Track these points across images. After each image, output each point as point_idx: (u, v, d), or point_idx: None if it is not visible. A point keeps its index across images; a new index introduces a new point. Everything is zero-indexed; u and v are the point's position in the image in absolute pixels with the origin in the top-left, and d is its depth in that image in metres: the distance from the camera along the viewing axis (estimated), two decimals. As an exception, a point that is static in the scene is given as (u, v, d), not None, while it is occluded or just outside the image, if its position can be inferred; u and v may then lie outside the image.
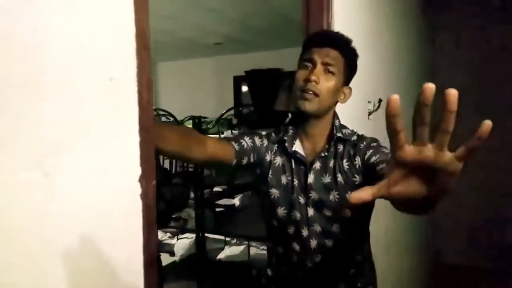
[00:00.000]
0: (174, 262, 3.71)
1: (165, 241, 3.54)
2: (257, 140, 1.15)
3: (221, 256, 3.14)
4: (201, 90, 6.13)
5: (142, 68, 0.66)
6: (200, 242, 3.30)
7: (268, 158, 1.15)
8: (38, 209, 0.54)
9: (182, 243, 3.40)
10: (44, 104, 0.53)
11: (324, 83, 1.05)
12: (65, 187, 0.57)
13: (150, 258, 0.68)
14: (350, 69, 1.12)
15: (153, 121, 0.70)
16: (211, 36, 4.98)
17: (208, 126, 3.48)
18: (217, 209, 3.90)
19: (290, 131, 1.15)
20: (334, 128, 1.13)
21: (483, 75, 3.92)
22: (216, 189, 4.45)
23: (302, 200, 1.11)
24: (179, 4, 3.78)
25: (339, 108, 1.64)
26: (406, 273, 2.83)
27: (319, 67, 1.05)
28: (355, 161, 1.07)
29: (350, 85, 1.16)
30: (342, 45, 1.09)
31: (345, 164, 1.08)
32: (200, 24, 4.50)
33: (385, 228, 2.22)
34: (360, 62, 1.89)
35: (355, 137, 1.13)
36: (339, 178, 1.07)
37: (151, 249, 0.69)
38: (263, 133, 1.19)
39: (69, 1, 0.56)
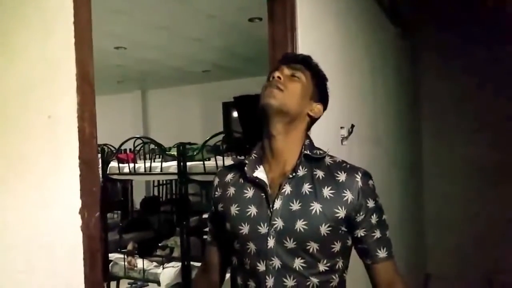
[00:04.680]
0: (160, 292, 3.66)
1: (151, 270, 3.49)
2: (212, 204, 1.13)
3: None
4: (191, 117, 6.20)
5: (84, 104, 0.69)
6: (185, 271, 3.27)
7: (217, 193, 1.11)
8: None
9: (168, 272, 3.36)
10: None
11: (289, 82, 1.02)
12: (6, 221, 0.59)
13: (92, 289, 0.69)
14: (318, 86, 1.07)
15: (96, 154, 0.73)
16: (198, 64, 5.07)
17: (194, 153, 3.49)
18: (205, 236, 3.87)
19: (253, 155, 1.06)
20: (303, 146, 1.02)
21: (469, 99, 3.98)
22: (205, 216, 4.43)
23: (261, 229, 0.98)
24: (165, 35, 3.88)
25: (312, 135, 1.68)
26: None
27: (285, 71, 1.03)
28: (344, 193, 0.97)
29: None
30: (308, 61, 1.07)
31: (329, 192, 0.98)
32: (187, 53, 4.60)
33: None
34: (331, 86, 1.93)
35: (338, 159, 1.04)
36: (314, 206, 0.96)
37: (95, 281, 0.70)
38: (215, 178, 1.15)
39: (10, 44, 0.60)
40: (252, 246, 0.99)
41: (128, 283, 4.30)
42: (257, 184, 1.02)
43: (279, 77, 1.00)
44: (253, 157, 1.06)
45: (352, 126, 2.01)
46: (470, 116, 3.97)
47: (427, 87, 4.16)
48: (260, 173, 1.03)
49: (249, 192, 1.02)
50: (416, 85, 4.16)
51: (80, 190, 0.68)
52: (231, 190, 1.06)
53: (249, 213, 1.00)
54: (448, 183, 4.07)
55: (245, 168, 1.03)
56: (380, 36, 2.82)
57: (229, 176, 1.10)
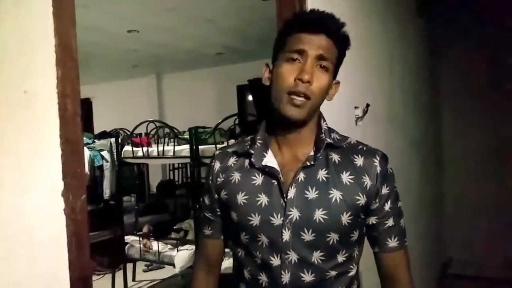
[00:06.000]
0: (175, 275, 3.70)
1: (166, 253, 3.51)
2: (212, 190, 0.99)
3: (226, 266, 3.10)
4: (206, 101, 6.15)
5: (66, 79, 0.64)
6: (200, 254, 3.27)
7: (220, 179, 0.98)
8: None
9: (182, 255, 3.37)
10: None
11: (317, 82, 0.85)
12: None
13: (78, 275, 0.66)
14: (341, 60, 0.93)
15: (81, 133, 0.68)
16: (211, 46, 5.00)
17: (206, 137, 3.46)
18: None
19: (258, 142, 0.94)
20: (323, 132, 0.92)
21: (492, 76, 3.80)
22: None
23: (275, 220, 0.89)
24: (177, 16, 3.81)
25: (324, 115, 1.61)
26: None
27: (311, 61, 0.85)
28: (364, 178, 0.90)
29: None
30: (337, 31, 0.88)
31: (348, 177, 0.90)
32: (200, 35, 4.52)
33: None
34: (345, 64, 1.86)
35: (353, 141, 0.95)
36: (334, 193, 0.88)
37: (81, 266, 0.66)
38: (214, 162, 1.00)
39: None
40: (264, 239, 0.90)
41: (145, 265, 4.37)
42: (267, 172, 0.91)
43: (309, 82, 0.84)
44: (258, 144, 0.94)
45: (367, 105, 1.92)
46: (494, 94, 3.79)
47: (447, 64, 3.98)
48: (269, 160, 0.93)
49: (258, 179, 0.92)
50: (436, 62, 3.99)
51: (62, 171, 0.64)
52: (236, 176, 0.95)
53: (259, 202, 0.90)
54: (470, 163, 3.92)
55: (252, 159, 0.93)
56: (396, 10, 2.68)
57: (232, 160, 0.98)
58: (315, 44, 0.85)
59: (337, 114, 1.75)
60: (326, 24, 0.87)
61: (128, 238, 3.76)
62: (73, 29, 0.66)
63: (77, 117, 0.66)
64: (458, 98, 3.95)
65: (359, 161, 0.91)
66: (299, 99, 0.85)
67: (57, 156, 0.63)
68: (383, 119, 2.27)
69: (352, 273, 0.95)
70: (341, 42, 0.89)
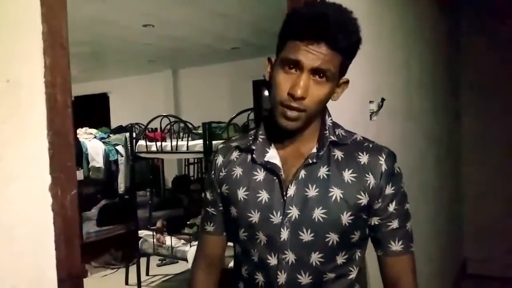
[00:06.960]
0: (188, 270, 3.70)
1: (179, 248, 3.50)
2: (215, 184, 0.97)
3: (232, 264, 3.07)
4: (222, 96, 6.13)
5: (55, 68, 0.61)
6: (212, 250, 3.25)
7: (222, 174, 0.96)
8: None
9: (195, 250, 3.36)
10: None
11: (314, 93, 0.81)
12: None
13: (67, 275, 0.63)
14: (349, 61, 0.86)
15: (71, 125, 0.65)
16: (227, 41, 4.96)
17: (220, 132, 3.43)
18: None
19: (260, 138, 0.92)
20: (327, 128, 0.89)
21: (507, 76, 3.65)
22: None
23: (274, 218, 0.87)
24: (192, 10, 3.79)
25: (336, 110, 1.55)
26: (427, 282, 2.67)
27: (306, 75, 0.80)
28: (367, 177, 0.86)
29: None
30: (340, 42, 0.79)
31: (350, 175, 0.86)
32: (215, 30, 4.49)
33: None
34: (359, 58, 1.79)
35: (359, 137, 0.92)
36: (334, 192, 0.85)
37: (70, 265, 0.63)
38: (216, 156, 0.98)
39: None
40: (262, 237, 0.88)
41: (158, 260, 4.39)
42: (268, 168, 0.89)
43: (303, 98, 0.80)
44: (260, 140, 0.91)
45: (383, 100, 1.85)
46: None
47: (467, 58, 3.85)
48: (271, 155, 0.90)
49: (260, 175, 0.90)
50: (456, 55, 3.86)
51: (50, 165, 0.60)
52: (238, 171, 0.93)
53: (260, 198, 0.88)
54: (489, 162, 3.79)
55: (254, 155, 0.91)
56: (415, 3, 2.59)
57: (234, 154, 0.96)
58: (313, 54, 0.79)
59: (350, 109, 1.69)
60: (329, 34, 0.78)
61: (142, 233, 3.77)
62: (64, 15, 0.62)
63: (67, 109, 0.63)
64: (478, 93, 3.82)
65: (364, 158, 0.88)
66: (292, 113, 0.81)
67: (44, 149, 0.60)
68: (399, 115, 2.19)
69: (352, 276, 0.91)
70: (346, 51, 0.82)
